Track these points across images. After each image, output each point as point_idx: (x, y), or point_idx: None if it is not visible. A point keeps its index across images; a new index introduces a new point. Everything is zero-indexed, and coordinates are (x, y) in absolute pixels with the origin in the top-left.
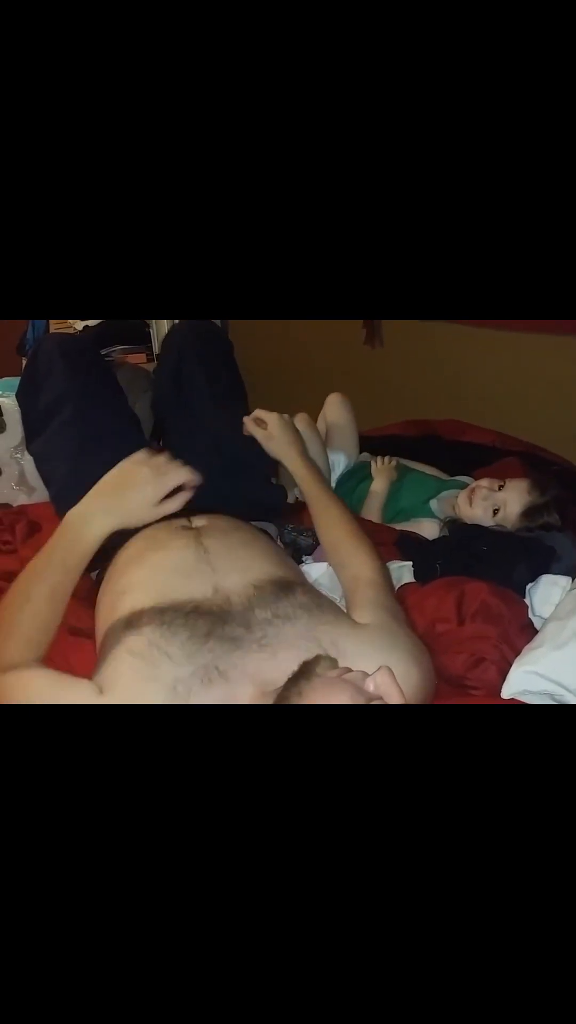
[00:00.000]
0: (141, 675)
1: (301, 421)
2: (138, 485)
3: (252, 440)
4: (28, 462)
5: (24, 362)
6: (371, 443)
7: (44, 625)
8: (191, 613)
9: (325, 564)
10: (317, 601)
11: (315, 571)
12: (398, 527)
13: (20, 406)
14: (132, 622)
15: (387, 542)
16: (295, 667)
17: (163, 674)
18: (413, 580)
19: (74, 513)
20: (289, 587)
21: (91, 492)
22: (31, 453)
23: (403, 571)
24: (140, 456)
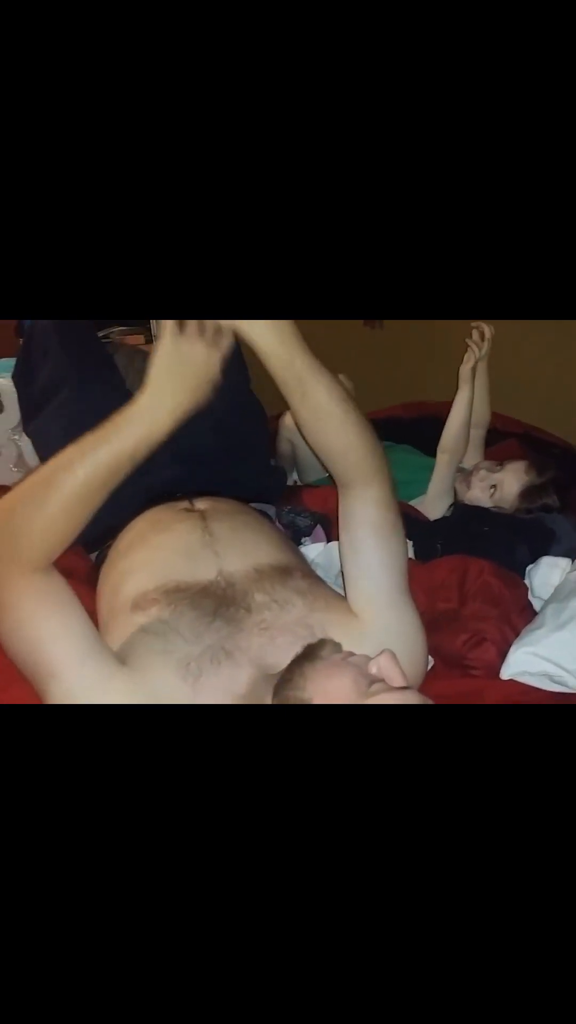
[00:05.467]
0: (155, 650)
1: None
2: (197, 360)
3: (253, 422)
4: (26, 443)
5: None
6: (372, 425)
7: (66, 526)
8: (197, 594)
9: (323, 544)
10: (313, 587)
11: (312, 551)
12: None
13: (17, 387)
14: (138, 603)
15: None
16: (293, 652)
17: (176, 649)
18: (413, 557)
19: (143, 404)
20: (288, 572)
21: (150, 384)
22: (28, 434)
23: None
24: (172, 332)
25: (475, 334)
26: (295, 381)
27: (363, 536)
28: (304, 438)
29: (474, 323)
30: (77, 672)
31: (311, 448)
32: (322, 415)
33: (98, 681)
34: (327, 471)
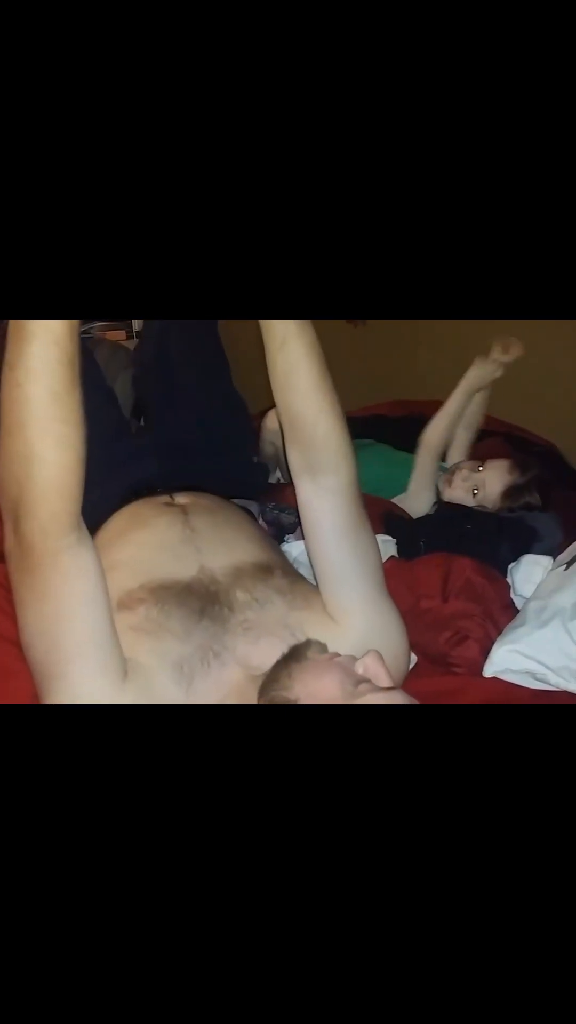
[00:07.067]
0: (153, 652)
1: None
2: None
3: (236, 417)
4: None
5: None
6: (355, 423)
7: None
8: (181, 592)
9: None
10: (293, 586)
11: (296, 549)
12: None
13: None
14: (124, 602)
15: (373, 516)
16: (275, 652)
17: (170, 650)
18: (396, 555)
19: None
20: (269, 570)
21: None
22: None
23: (388, 546)
24: None
25: (510, 349)
26: (279, 326)
27: (330, 535)
28: (275, 400)
29: (501, 342)
30: (90, 685)
31: (279, 415)
32: (298, 371)
33: (110, 695)
34: (288, 458)
